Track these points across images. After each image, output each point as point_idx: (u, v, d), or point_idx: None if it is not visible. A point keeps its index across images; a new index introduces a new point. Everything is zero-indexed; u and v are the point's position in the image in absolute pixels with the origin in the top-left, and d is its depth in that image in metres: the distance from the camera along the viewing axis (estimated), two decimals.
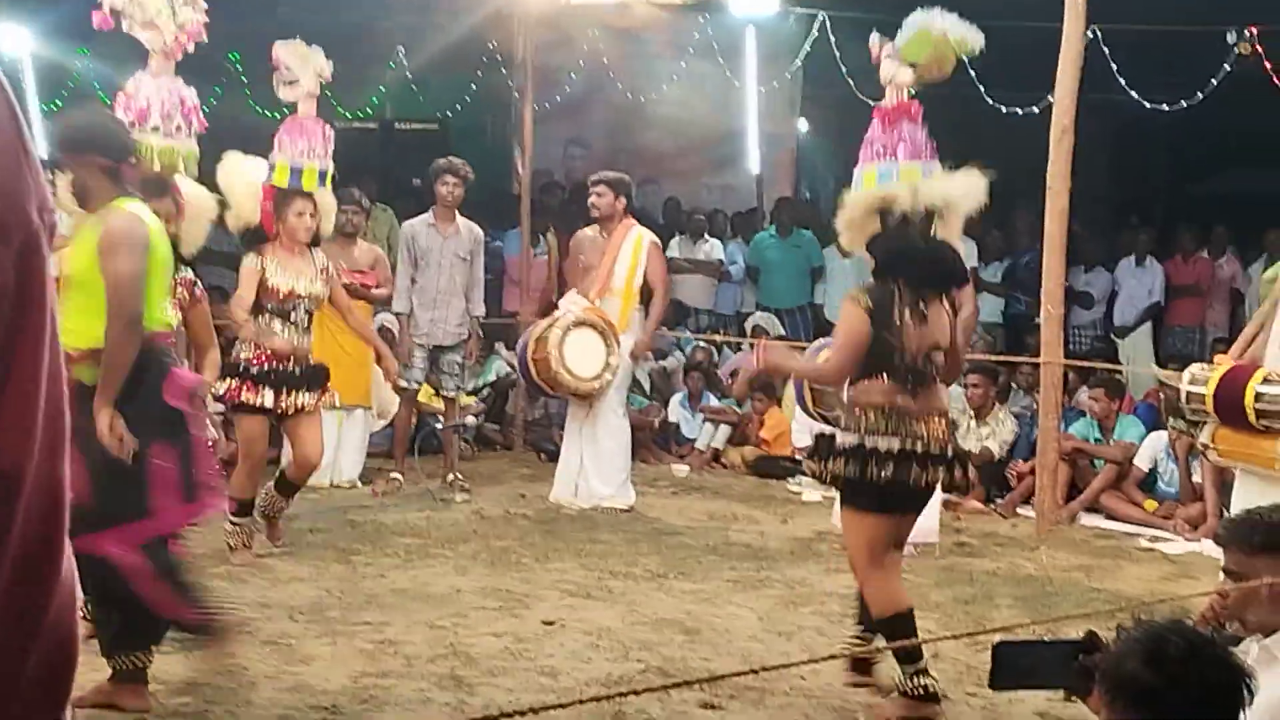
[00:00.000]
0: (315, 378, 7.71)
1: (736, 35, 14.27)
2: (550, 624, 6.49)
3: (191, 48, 6.72)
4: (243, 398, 7.49)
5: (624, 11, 12.86)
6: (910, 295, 5.38)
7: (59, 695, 1.12)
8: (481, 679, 5.66)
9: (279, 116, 13.72)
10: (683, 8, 13.41)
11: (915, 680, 5.28)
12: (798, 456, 10.75)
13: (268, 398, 7.48)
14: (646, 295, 9.60)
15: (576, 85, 14.40)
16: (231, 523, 7.51)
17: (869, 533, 5.42)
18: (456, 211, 9.85)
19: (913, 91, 5.94)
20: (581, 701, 3.24)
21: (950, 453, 5.44)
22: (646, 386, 12.15)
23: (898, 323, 5.34)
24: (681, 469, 11.18)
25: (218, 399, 7.55)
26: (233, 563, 7.41)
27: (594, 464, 9.37)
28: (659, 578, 7.52)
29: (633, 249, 9.37)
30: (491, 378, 12.01)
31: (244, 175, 7.65)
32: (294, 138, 7.72)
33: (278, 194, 7.68)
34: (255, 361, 7.53)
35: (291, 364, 7.59)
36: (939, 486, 5.59)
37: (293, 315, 7.65)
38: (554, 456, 10.17)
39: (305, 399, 7.58)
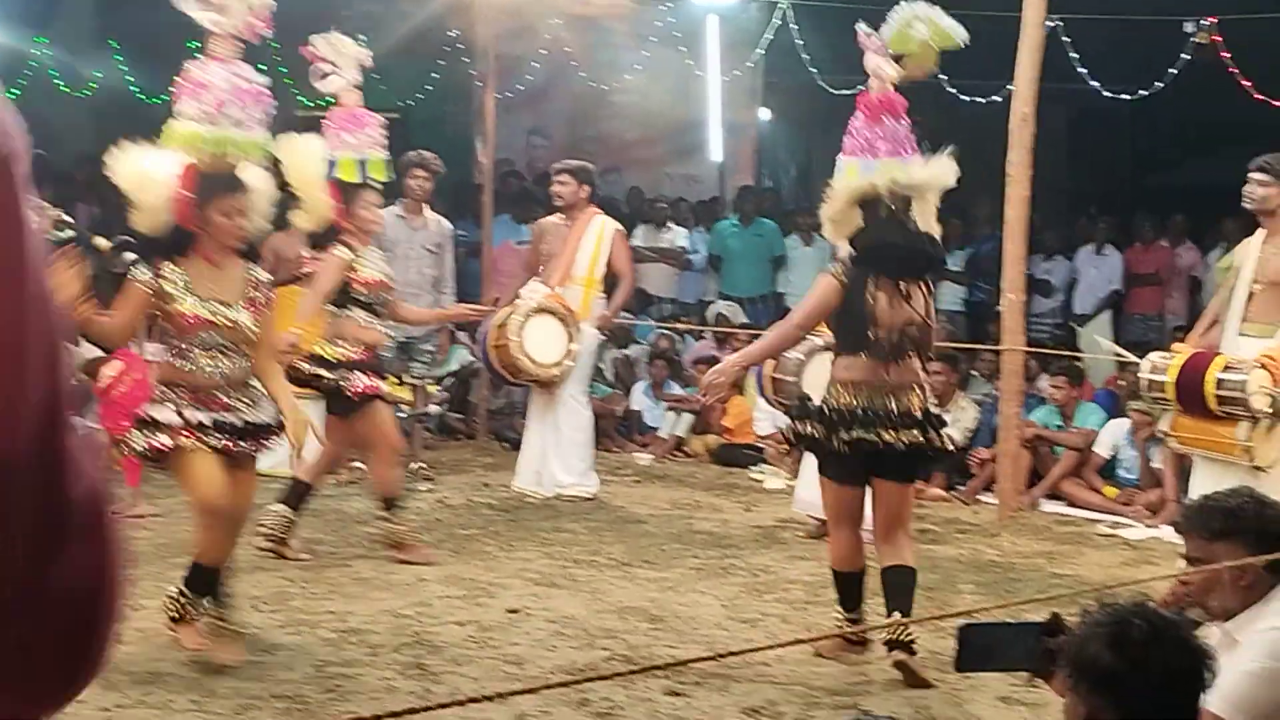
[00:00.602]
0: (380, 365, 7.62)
1: (698, 24, 14.26)
2: (515, 612, 6.49)
3: (261, 33, 5.96)
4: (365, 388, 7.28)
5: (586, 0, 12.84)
6: (889, 280, 5.68)
7: (78, 668, 1.09)
8: (446, 667, 5.66)
9: None
10: None
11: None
12: (760, 445, 10.80)
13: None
14: (609, 284, 9.60)
15: (538, 74, 14.37)
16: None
17: (830, 496, 5.94)
18: (424, 204, 9.83)
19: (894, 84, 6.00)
20: (549, 687, 3.23)
21: (921, 416, 5.72)
22: (610, 375, 12.16)
23: (871, 301, 5.64)
24: (644, 457, 11.19)
25: (354, 393, 7.23)
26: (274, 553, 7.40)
27: (557, 452, 9.37)
28: (623, 566, 7.53)
29: (596, 237, 9.37)
30: (454, 367, 11.97)
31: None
32: (353, 129, 7.48)
33: (345, 188, 7.42)
34: (349, 357, 7.34)
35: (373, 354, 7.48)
36: (913, 448, 5.76)
37: (375, 307, 7.50)
38: (517, 445, 10.16)
39: (384, 385, 7.40)
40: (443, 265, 9.99)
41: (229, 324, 5.54)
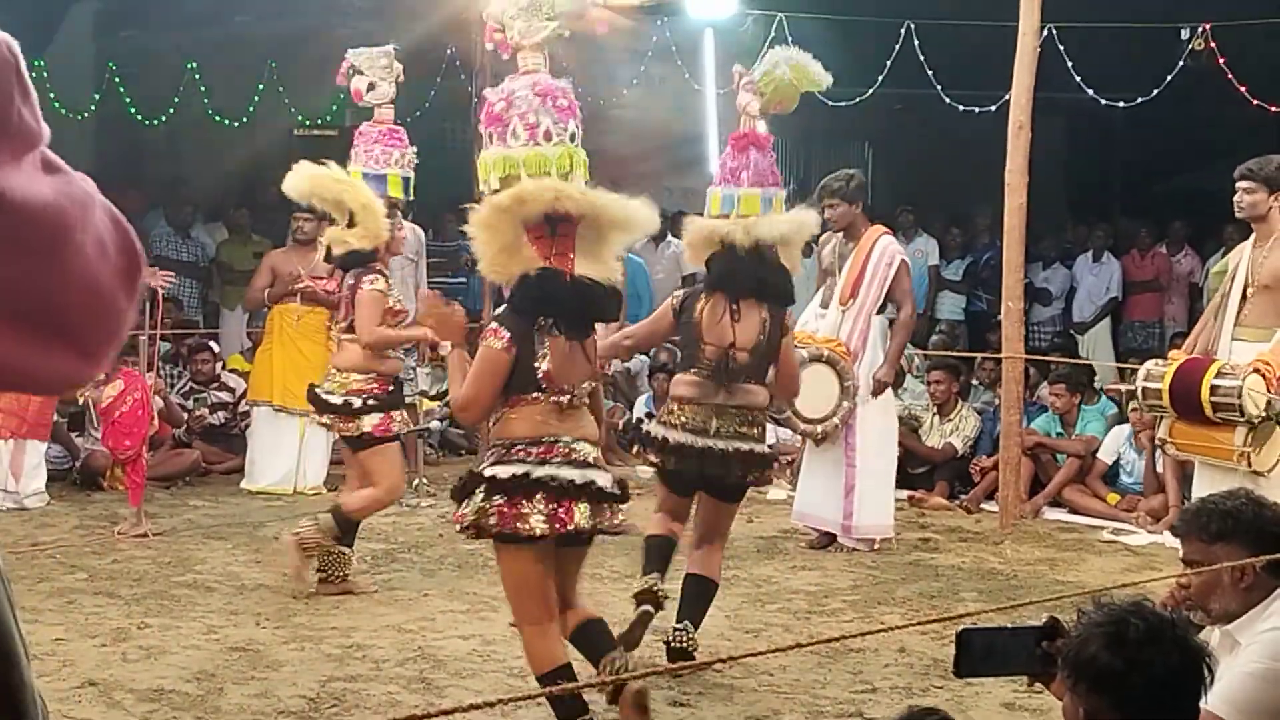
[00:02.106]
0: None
1: (695, 38, 14.28)
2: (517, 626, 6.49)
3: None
4: (393, 428, 7.01)
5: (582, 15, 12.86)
6: (725, 301, 5.87)
7: (94, 340, 1.26)
8: (450, 681, 5.67)
9: (237, 125, 13.79)
10: (641, 11, 13.42)
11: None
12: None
13: (397, 421, 7.07)
14: None
15: None
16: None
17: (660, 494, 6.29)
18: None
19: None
20: (550, 692, 3.24)
21: (739, 447, 5.84)
22: (610, 389, 12.16)
23: (697, 320, 5.88)
24: (646, 470, 11.18)
25: (370, 433, 6.92)
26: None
27: None
28: (625, 578, 7.51)
29: None
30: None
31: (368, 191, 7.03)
32: (398, 145, 7.19)
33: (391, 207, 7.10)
34: (379, 388, 6.99)
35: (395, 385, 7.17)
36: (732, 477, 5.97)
37: None
38: None
39: (396, 424, 7.12)
40: (420, 273, 10.08)
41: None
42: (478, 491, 4.63)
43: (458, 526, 4.75)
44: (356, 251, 6.87)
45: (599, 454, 4.88)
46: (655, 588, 5.79)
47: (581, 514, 4.61)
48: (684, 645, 5.83)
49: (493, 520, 4.58)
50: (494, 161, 4.84)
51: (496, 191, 4.79)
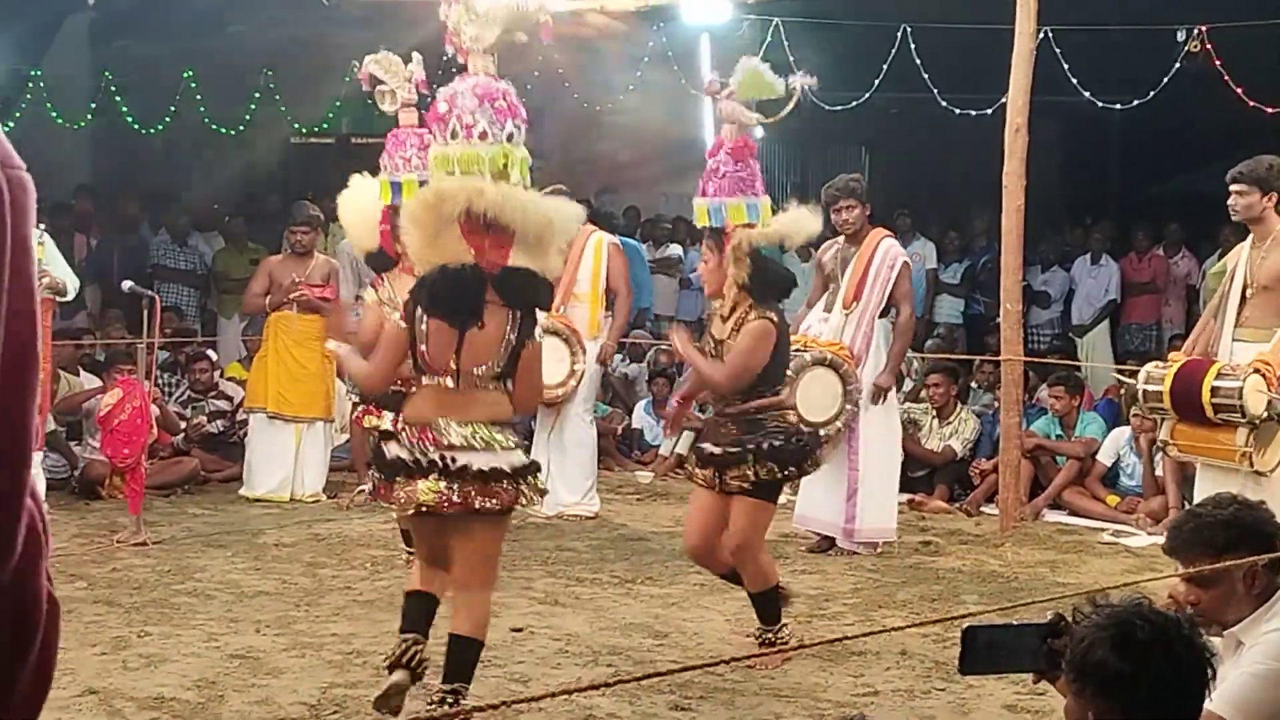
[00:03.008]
0: None
1: (691, 43, 14.28)
2: (519, 631, 6.49)
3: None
4: (366, 421, 7.36)
5: (578, 21, 12.87)
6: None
7: (19, 653, 1.15)
8: None
9: (233, 133, 13.78)
10: (636, 16, 13.42)
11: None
12: None
13: (386, 420, 7.08)
14: (612, 299, 9.62)
15: (532, 96, 14.34)
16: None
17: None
18: None
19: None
20: (552, 695, 3.23)
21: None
22: (608, 394, 12.16)
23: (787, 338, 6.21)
24: (645, 475, 11.19)
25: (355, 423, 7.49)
26: (276, 577, 7.39)
27: (560, 472, 9.36)
28: (626, 583, 7.52)
29: (594, 253, 9.39)
30: None
31: (359, 200, 7.33)
32: (395, 150, 7.19)
33: (392, 213, 7.08)
34: None
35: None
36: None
37: None
38: None
39: None
40: None
41: None
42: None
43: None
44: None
45: (492, 433, 4.97)
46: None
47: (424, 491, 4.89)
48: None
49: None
50: (436, 159, 5.10)
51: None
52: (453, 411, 4.95)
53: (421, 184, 7.06)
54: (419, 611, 5.29)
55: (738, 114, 6.42)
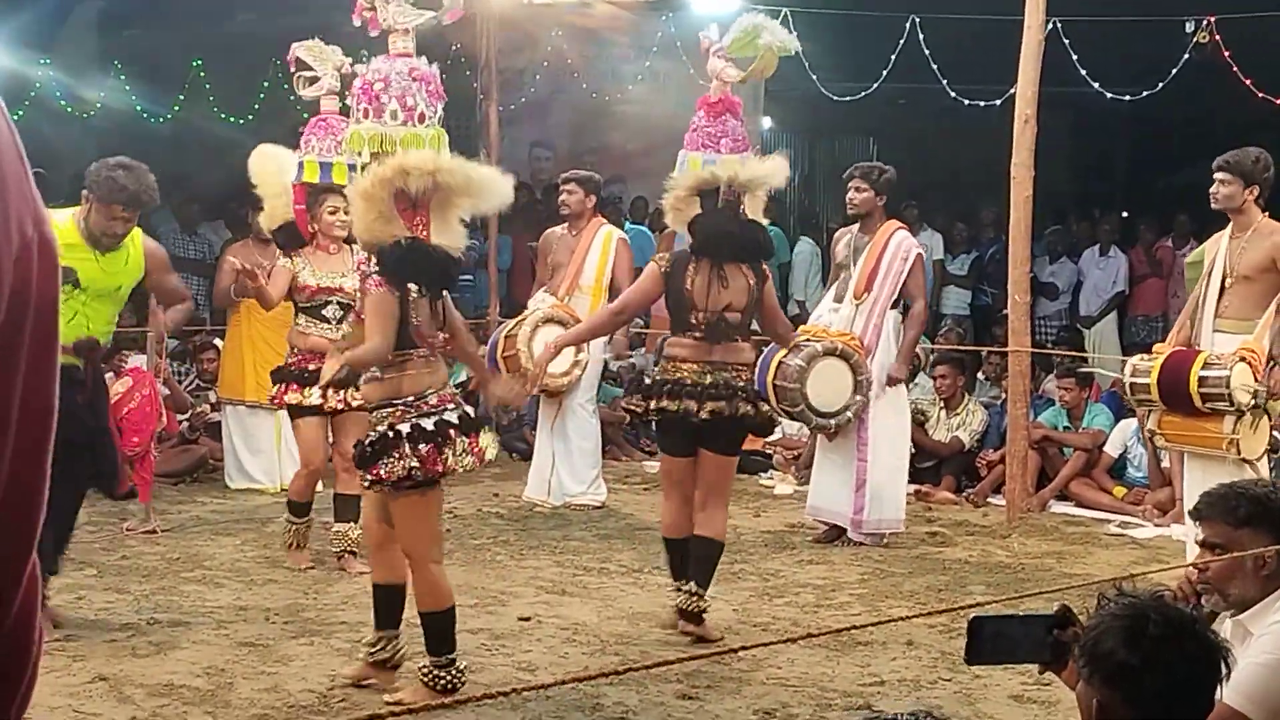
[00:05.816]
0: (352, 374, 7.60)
1: (699, 33, 14.29)
2: (526, 620, 6.51)
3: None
4: (287, 398, 7.38)
5: (586, 11, 12.88)
6: (712, 264, 6.13)
7: (10, 698, 1.17)
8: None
9: (242, 122, 13.78)
10: (644, 6, 13.43)
11: None
12: (768, 451, 10.80)
13: (314, 396, 7.27)
14: (616, 293, 9.61)
15: (540, 86, 14.40)
16: (290, 522, 7.54)
17: (661, 465, 6.59)
18: None
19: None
20: (560, 683, 3.25)
21: (734, 391, 6.09)
22: (615, 383, 12.14)
23: (689, 286, 6.11)
24: (652, 465, 11.19)
25: (271, 401, 7.67)
26: (285, 565, 7.46)
27: (565, 462, 9.39)
28: (633, 573, 7.54)
29: (602, 246, 9.39)
30: (462, 378, 11.99)
31: (275, 171, 7.56)
32: (320, 134, 7.45)
33: (309, 191, 7.46)
34: (297, 364, 7.39)
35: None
36: (728, 420, 6.10)
37: (324, 311, 7.47)
38: (526, 456, 10.18)
39: (349, 394, 7.23)
40: None
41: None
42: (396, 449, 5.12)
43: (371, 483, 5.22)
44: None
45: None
46: (698, 609, 6.20)
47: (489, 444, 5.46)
48: (692, 609, 6.12)
49: (415, 465, 5.12)
50: (369, 137, 5.23)
51: (366, 165, 5.22)
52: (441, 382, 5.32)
53: (351, 168, 7.25)
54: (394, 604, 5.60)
55: (722, 71, 6.58)
